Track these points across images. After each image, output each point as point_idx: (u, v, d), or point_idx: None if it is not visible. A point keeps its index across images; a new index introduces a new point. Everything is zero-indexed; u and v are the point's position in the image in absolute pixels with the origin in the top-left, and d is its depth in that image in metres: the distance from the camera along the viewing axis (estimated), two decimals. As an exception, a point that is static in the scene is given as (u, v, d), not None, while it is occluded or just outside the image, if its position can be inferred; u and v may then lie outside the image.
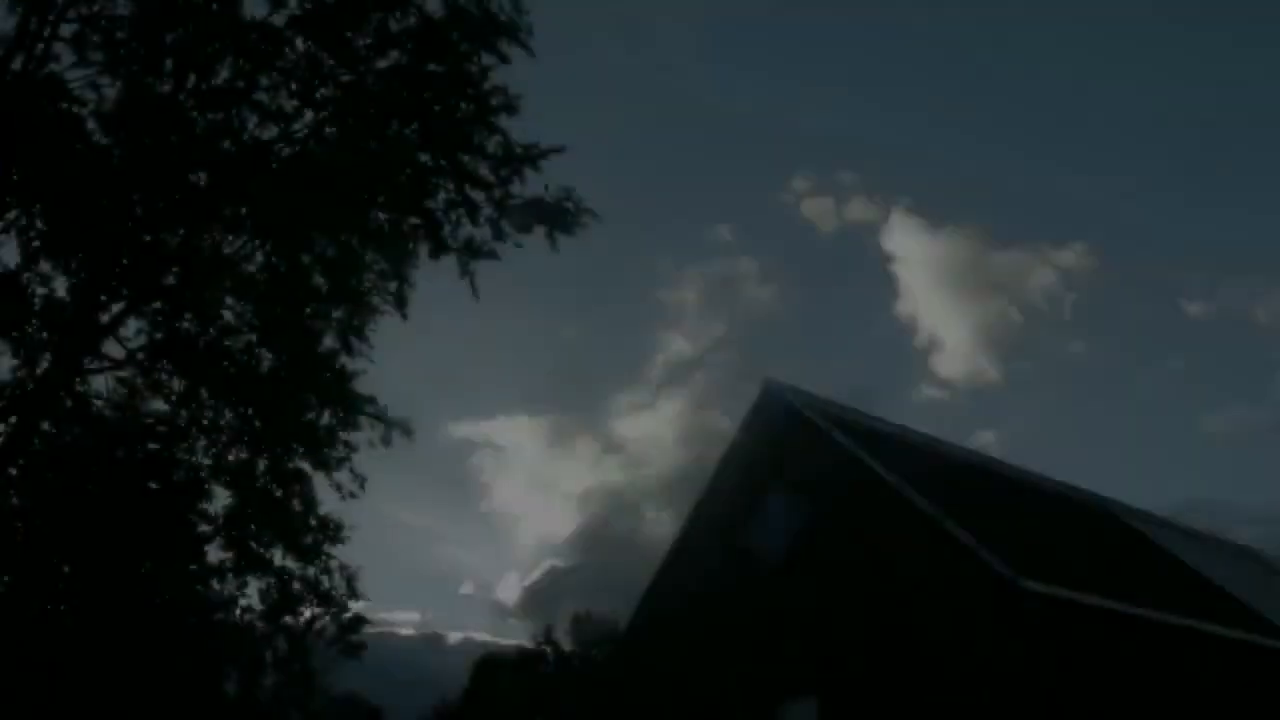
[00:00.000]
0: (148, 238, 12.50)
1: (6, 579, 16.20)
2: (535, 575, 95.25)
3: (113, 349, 13.40)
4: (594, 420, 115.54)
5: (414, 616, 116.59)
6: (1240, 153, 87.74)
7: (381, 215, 12.93)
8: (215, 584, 17.66)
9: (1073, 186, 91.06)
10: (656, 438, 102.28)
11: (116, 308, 12.87)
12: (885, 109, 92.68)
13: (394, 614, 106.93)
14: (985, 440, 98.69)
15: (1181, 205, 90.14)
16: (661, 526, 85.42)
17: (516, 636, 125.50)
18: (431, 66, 12.42)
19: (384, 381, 16.01)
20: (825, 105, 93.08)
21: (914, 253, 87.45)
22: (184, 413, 15.44)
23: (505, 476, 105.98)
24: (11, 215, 11.93)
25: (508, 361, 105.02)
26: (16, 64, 11.32)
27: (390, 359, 14.92)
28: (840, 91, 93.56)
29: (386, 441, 14.80)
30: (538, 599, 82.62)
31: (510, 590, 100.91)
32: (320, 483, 15.64)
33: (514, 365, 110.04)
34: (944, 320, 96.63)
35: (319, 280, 13.40)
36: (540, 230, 12.57)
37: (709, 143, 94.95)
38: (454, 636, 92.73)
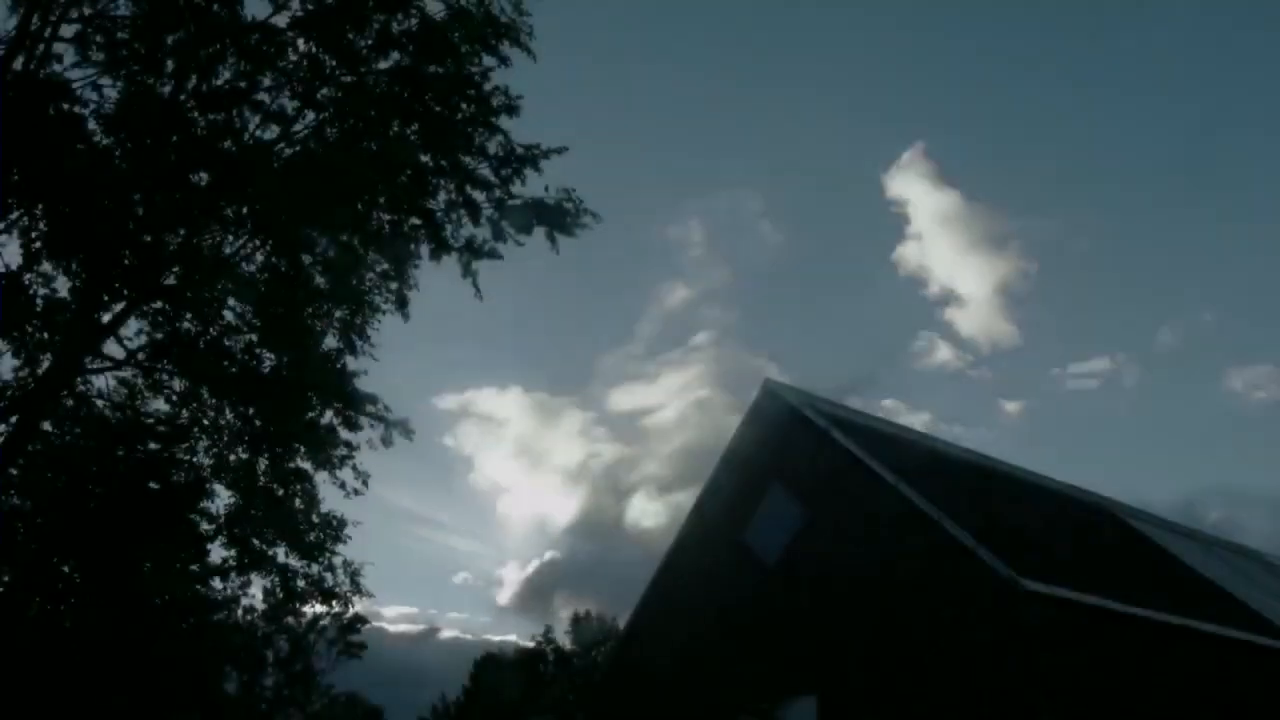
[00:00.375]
0: (148, 238, 12.49)
1: (6, 579, 16.19)
2: (532, 564, 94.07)
3: (113, 349, 13.41)
4: (588, 393, 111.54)
5: (409, 610, 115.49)
6: (1266, 116, 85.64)
7: (382, 215, 12.96)
8: (217, 583, 17.67)
9: (1087, 145, 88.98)
10: (655, 411, 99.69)
11: (116, 308, 12.87)
12: (897, 44, 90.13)
13: (388, 608, 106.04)
14: (1011, 411, 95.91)
15: (1196, 171, 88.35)
16: (659, 516, 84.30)
17: (513, 629, 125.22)
18: (432, 68, 12.45)
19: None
20: (834, 40, 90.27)
21: (926, 200, 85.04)
22: (184, 413, 15.42)
23: (493, 457, 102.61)
24: (13, 215, 11.94)
25: (493, 326, 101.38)
26: (17, 64, 11.33)
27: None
28: (852, 34, 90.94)
29: (387, 442, 14.71)
30: (534, 589, 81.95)
31: (506, 580, 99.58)
32: (321, 478, 15.62)
33: (500, 331, 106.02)
34: (958, 273, 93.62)
35: (319, 280, 13.41)
36: (540, 230, 12.67)
37: (714, 77, 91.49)
38: (448, 631, 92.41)
